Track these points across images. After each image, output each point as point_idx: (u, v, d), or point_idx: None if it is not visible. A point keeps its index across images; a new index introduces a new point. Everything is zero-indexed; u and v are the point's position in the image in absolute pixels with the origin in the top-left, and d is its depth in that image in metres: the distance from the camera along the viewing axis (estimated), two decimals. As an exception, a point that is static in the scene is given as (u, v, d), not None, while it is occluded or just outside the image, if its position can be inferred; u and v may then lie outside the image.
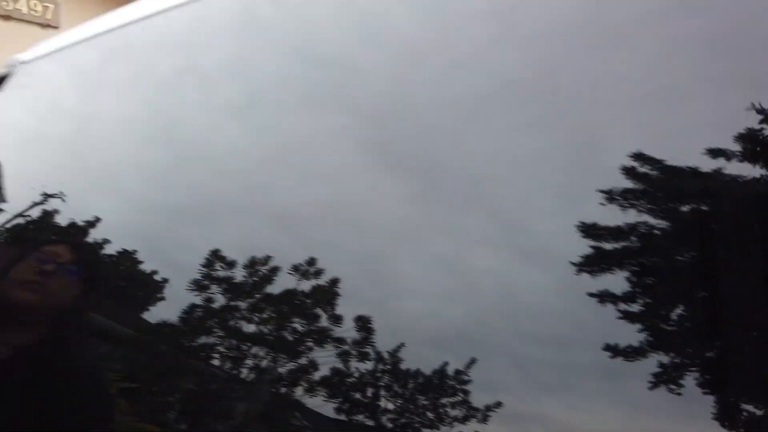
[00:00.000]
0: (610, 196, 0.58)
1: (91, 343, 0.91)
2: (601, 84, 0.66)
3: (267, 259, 0.76)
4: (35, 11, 6.18)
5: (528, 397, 0.61)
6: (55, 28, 6.35)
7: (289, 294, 0.75)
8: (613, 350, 0.55)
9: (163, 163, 1.03)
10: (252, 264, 0.78)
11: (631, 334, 0.55)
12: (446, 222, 0.71)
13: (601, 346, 0.56)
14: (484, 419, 0.60)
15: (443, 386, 0.63)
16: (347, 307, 0.73)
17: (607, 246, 0.58)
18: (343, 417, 0.69)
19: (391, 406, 0.66)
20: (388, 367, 0.68)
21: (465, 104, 0.74)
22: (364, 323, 0.70)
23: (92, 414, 0.85)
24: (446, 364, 0.63)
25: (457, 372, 0.62)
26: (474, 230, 0.69)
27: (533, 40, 0.72)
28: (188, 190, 0.97)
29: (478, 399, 0.61)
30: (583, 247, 0.59)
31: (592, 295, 0.57)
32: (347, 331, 0.71)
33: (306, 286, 0.74)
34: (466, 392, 0.62)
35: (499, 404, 0.59)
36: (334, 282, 0.72)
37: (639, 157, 0.58)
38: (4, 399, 0.86)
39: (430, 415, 0.64)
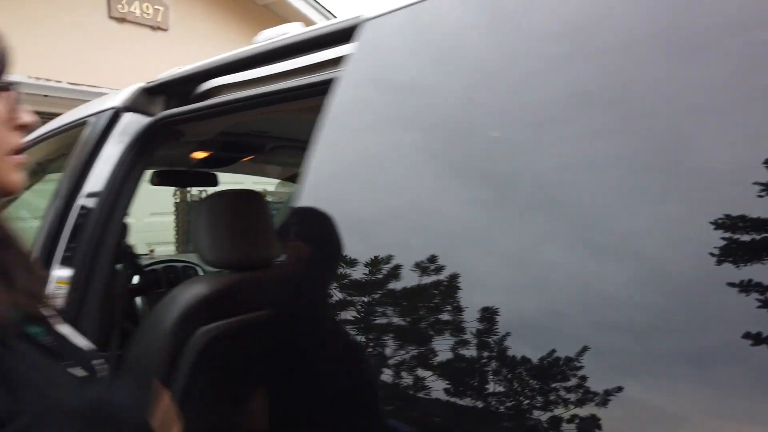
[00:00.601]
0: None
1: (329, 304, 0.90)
2: (682, 91, 0.65)
3: (389, 257, 0.80)
4: (147, 14, 6.60)
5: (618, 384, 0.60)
6: (164, 30, 6.77)
7: (416, 289, 0.78)
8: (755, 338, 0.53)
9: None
10: (374, 263, 0.82)
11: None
12: (521, 222, 0.73)
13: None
14: (604, 403, 0.60)
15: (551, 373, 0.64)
16: (425, 302, 0.79)
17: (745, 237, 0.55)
18: (455, 400, 0.72)
19: (499, 389, 0.68)
20: (493, 354, 0.70)
21: (540, 114, 0.75)
22: (491, 314, 0.72)
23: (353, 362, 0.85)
24: (553, 351, 0.64)
25: (567, 359, 0.63)
26: (549, 229, 0.70)
27: (608, 56, 0.72)
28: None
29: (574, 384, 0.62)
30: (676, 242, 0.60)
31: (731, 284, 0.55)
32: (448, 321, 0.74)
33: (427, 280, 0.77)
34: (581, 378, 0.62)
35: (620, 389, 0.59)
36: (454, 277, 0.74)
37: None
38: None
39: (538, 398, 0.65)
